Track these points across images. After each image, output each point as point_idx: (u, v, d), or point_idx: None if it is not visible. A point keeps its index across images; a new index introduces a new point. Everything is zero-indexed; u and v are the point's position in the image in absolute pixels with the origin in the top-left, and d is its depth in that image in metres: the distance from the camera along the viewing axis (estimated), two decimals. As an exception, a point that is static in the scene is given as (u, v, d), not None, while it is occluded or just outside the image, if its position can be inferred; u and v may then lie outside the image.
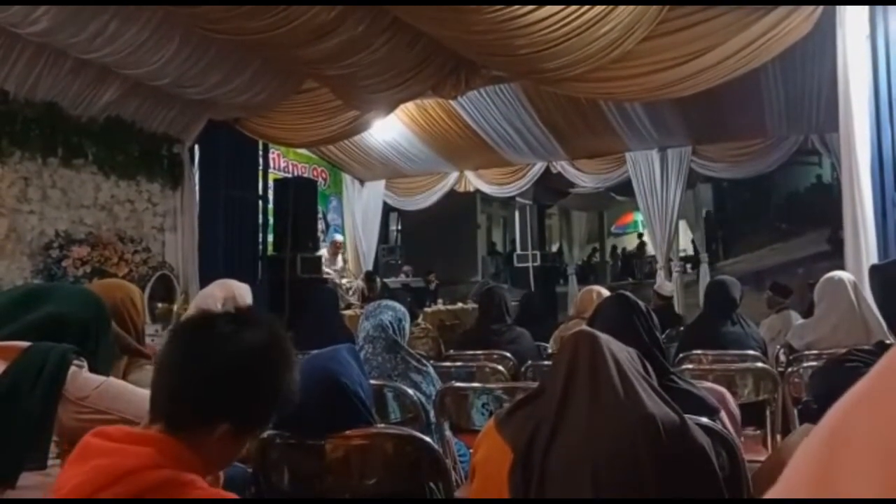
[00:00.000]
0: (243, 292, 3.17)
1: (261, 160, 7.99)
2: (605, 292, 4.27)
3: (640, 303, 1.94)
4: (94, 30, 4.57)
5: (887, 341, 2.55)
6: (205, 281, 6.26)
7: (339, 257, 9.73)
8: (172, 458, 1.10)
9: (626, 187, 9.88)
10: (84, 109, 5.55)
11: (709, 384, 2.02)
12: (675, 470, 1.24)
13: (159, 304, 6.19)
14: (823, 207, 13.86)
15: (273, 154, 8.97)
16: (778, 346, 4.32)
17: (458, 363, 3.83)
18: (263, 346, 1.22)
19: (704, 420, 1.56)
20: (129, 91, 5.70)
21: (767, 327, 5.28)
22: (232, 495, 1.16)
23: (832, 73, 5.10)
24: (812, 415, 2.30)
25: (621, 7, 4.59)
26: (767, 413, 3.20)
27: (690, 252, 16.54)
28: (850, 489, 0.31)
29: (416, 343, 5.02)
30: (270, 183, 8.31)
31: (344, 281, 9.63)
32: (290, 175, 9.57)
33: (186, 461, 1.12)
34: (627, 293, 2.00)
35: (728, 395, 1.91)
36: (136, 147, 6.07)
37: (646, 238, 15.15)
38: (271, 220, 8.11)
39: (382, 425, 2.12)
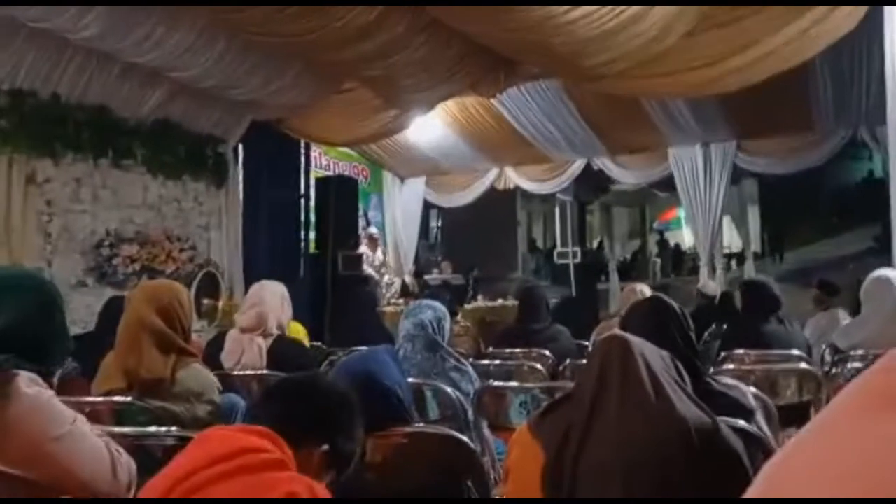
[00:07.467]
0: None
1: (303, 158, 8.10)
2: (648, 291, 4.23)
3: (676, 305, 1.93)
4: (141, 34, 4.69)
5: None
6: (249, 278, 6.40)
7: (379, 252, 9.61)
8: (281, 450, 1.22)
9: (668, 183, 9.74)
10: (133, 112, 5.71)
11: (745, 388, 1.99)
12: (706, 474, 1.24)
13: (205, 301, 6.35)
14: (874, 202, 13.48)
15: (315, 152, 9.08)
16: (823, 346, 4.22)
17: (497, 361, 3.84)
18: None
19: (741, 423, 1.56)
20: (176, 93, 5.84)
21: (813, 326, 5.16)
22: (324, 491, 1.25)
23: (881, 64, 4.96)
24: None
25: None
26: (812, 414, 3.15)
27: (735, 249, 16.25)
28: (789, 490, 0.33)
29: (455, 341, 5.05)
30: (312, 181, 8.42)
31: (385, 279, 9.65)
32: (331, 173, 9.66)
33: (289, 459, 1.23)
34: (662, 296, 1.99)
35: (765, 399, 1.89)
36: (182, 148, 6.22)
37: (689, 234, 14.90)
38: (313, 218, 8.22)
39: (421, 424, 2.15)
